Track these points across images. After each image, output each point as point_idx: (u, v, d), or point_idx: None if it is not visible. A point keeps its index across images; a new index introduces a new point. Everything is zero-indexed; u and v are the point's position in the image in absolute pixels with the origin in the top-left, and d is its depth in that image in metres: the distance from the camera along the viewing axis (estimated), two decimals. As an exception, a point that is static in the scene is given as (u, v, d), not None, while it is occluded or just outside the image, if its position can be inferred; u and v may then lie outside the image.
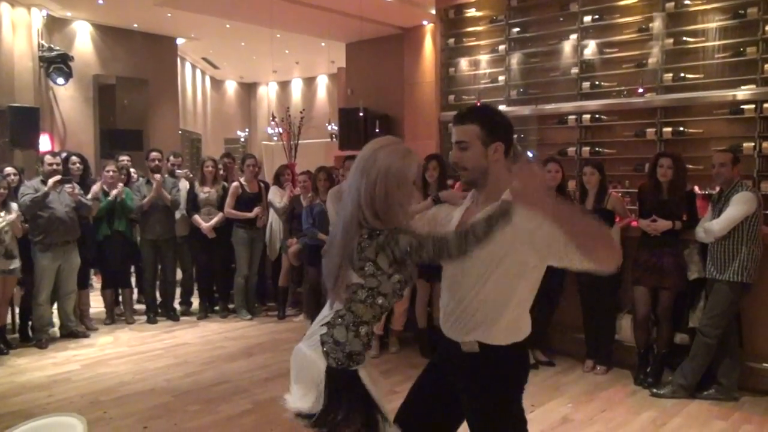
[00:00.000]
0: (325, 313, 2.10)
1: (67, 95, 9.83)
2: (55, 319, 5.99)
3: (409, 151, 2.06)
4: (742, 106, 6.39)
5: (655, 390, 4.45)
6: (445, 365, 2.22)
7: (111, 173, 6.23)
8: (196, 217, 6.49)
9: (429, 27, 8.78)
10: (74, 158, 6.24)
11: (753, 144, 6.28)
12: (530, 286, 2.09)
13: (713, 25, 6.58)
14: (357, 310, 2.02)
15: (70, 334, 5.92)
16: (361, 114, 9.14)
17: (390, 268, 1.98)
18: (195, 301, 6.98)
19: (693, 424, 3.95)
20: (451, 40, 8.74)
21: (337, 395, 2.01)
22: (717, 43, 6.57)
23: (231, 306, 6.95)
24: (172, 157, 6.97)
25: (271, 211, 6.79)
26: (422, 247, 1.92)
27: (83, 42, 10.18)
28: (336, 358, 2.02)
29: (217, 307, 6.92)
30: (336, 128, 11.44)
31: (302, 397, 2.09)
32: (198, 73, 16.25)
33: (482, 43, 8.48)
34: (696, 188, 5.51)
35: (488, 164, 2.06)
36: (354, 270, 2.00)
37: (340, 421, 1.99)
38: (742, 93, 6.35)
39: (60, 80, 9.35)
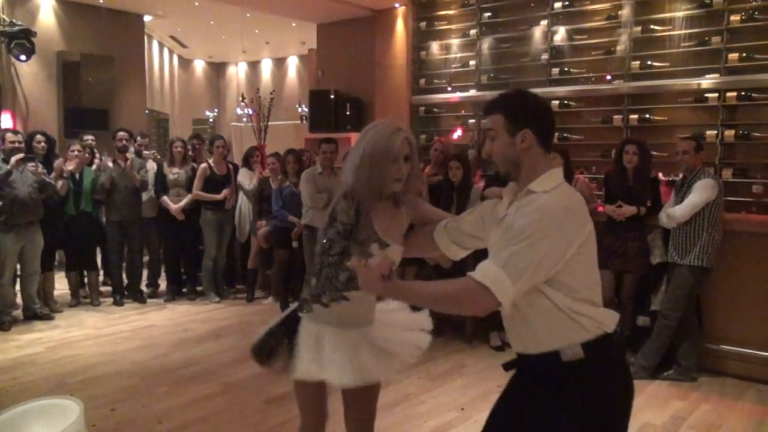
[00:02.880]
0: None
1: (29, 72, 9.56)
2: (19, 301, 5.89)
3: (398, 129, 2.15)
4: (706, 95, 6.51)
5: (617, 371, 4.56)
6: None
7: (76, 152, 6.11)
8: (165, 198, 6.42)
9: (401, 9, 8.74)
10: (39, 137, 6.10)
11: (716, 132, 6.41)
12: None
13: (680, 14, 6.67)
14: (322, 257, 2.22)
15: (33, 316, 5.83)
16: (331, 96, 9.09)
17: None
18: (162, 284, 6.92)
19: (653, 404, 4.08)
20: (423, 24, 8.72)
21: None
22: (683, 32, 6.67)
23: (199, 288, 6.91)
24: (139, 138, 6.87)
25: (241, 193, 6.74)
26: (335, 221, 2.13)
27: (46, 17, 9.89)
28: (301, 302, 2.29)
29: (184, 290, 6.88)
30: (306, 110, 11.35)
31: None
32: (165, 51, 15.94)
33: (454, 27, 8.47)
34: (660, 174, 5.62)
35: (518, 154, 1.91)
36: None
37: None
38: (706, 82, 6.47)
39: (22, 56, 9.08)
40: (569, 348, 1.82)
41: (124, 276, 6.67)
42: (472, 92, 8.24)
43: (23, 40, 9.01)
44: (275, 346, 2.23)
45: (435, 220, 2.28)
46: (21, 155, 5.48)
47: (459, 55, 8.43)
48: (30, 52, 9.10)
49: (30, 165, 5.56)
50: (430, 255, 2.43)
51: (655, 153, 5.80)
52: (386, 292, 1.89)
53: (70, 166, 5.99)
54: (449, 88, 8.47)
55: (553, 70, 7.53)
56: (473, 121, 8.29)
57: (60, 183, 5.86)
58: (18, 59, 9.16)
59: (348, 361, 2.14)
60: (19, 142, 5.68)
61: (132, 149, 6.67)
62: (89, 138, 6.92)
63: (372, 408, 2.43)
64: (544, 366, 1.88)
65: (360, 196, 2.11)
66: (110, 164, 6.28)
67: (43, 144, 6.05)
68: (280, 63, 17.84)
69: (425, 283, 1.94)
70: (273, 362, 2.23)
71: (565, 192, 1.88)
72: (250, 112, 9.81)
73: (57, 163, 6.00)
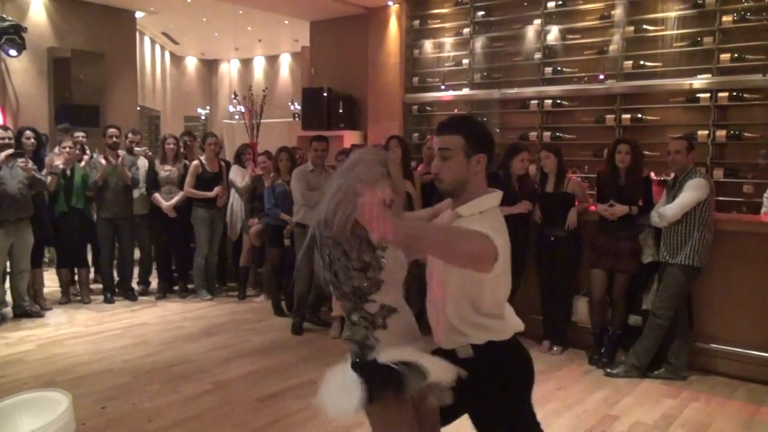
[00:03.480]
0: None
1: (19, 68, 9.49)
2: (8, 298, 5.84)
3: (382, 163, 2.04)
4: (697, 95, 6.55)
5: (608, 370, 4.58)
6: None
7: (68, 149, 6.07)
8: (157, 195, 6.39)
9: (394, 8, 8.74)
10: (28, 132, 6.05)
11: (707, 132, 6.45)
12: (490, 288, 2.04)
13: (672, 14, 6.71)
14: (345, 304, 2.15)
15: (23, 313, 5.79)
16: (324, 94, 9.08)
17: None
18: (153, 281, 6.89)
19: (644, 402, 4.09)
20: (416, 22, 8.72)
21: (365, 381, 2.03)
22: (675, 32, 6.71)
23: (190, 286, 6.88)
24: (130, 135, 6.83)
25: (233, 191, 6.72)
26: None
27: (37, 13, 9.82)
28: (354, 353, 2.13)
29: (176, 287, 6.85)
30: (299, 108, 11.33)
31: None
32: (157, 48, 15.86)
33: (447, 25, 8.48)
34: (652, 174, 5.64)
35: (468, 176, 2.03)
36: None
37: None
38: (698, 82, 6.51)
39: (12, 52, 9.01)
40: (463, 349, 2.08)
41: (115, 273, 6.63)
42: (465, 91, 8.25)
43: (14, 35, 8.93)
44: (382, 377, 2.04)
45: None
46: (10, 151, 5.43)
47: (452, 53, 8.45)
48: (20, 47, 9.03)
49: (19, 161, 5.52)
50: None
51: (647, 152, 5.83)
52: (395, 232, 1.71)
53: (59, 162, 5.95)
54: (442, 87, 8.48)
55: (546, 69, 7.56)
56: (466, 119, 8.28)
57: (49, 179, 5.82)
58: (8, 55, 9.09)
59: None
60: (9, 138, 5.63)
61: (123, 146, 6.63)
62: (80, 134, 6.87)
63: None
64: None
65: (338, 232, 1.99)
66: (103, 161, 6.24)
67: (32, 140, 6.00)
68: (272, 60, 17.78)
69: (429, 226, 2.02)
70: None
71: (490, 223, 1.95)
72: (243, 110, 9.78)
73: (48, 157, 5.96)
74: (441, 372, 2.00)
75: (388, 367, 1.99)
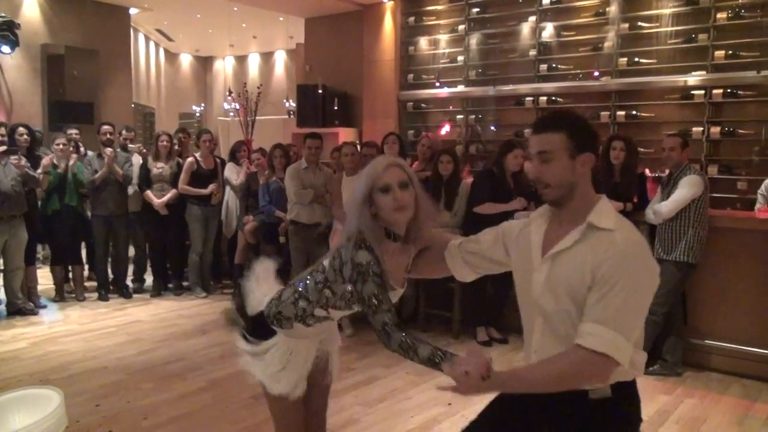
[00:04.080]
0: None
1: (13, 64, 9.44)
2: (2, 296, 5.82)
3: (386, 160, 2.02)
4: (692, 92, 6.56)
5: (603, 366, 4.58)
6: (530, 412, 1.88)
7: (61, 146, 6.05)
8: (148, 193, 6.37)
9: (389, 5, 8.72)
10: (21, 129, 6.03)
11: (702, 129, 6.46)
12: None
13: (667, 11, 6.71)
14: (308, 285, 2.09)
15: (17, 311, 5.76)
16: (319, 91, 9.06)
17: (340, 276, 2.01)
18: (148, 279, 6.87)
19: (638, 398, 4.10)
20: (411, 19, 8.71)
21: (250, 333, 2.22)
22: (670, 29, 6.71)
23: (185, 283, 6.87)
24: (124, 131, 6.81)
25: (227, 188, 6.70)
26: (377, 312, 1.88)
27: (31, 9, 9.77)
28: (270, 309, 2.15)
29: (170, 285, 6.84)
30: (294, 105, 11.31)
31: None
32: (152, 45, 15.81)
33: (442, 22, 8.47)
34: (646, 171, 5.65)
35: (575, 179, 1.76)
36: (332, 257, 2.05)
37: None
38: (693, 79, 6.52)
39: (6, 48, 8.96)
40: (600, 388, 1.75)
41: (109, 271, 6.61)
42: (460, 88, 8.25)
43: (7, 32, 8.88)
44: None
45: (442, 241, 2.16)
46: (4, 148, 5.41)
47: (447, 50, 8.44)
48: (14, 44, 8.99)
49: (13, 158, 5.50)
50: (436, 276, 2.26)
51: (641, 149, 5.83)
52: (491, 390, 1.72)
53: (70, 163, 5.94)
54: (437, 84, 8.47)
55: (541, 66, 7.56)
56: (461, 116, 8.30)
57: (41, 177, 5.79)
58: (1, 51, 9.04)
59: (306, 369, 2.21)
60: (2, 135, 5.60)
61: (117, 143, 6.60)
62: (73, 131, 6.85)
63: (326, 400, 2.46)
64: (569, 400, 1.76)
65: (365, 235, 1.95)
66: (103, 159, 6.19)
67: (25, 137, 5.97)
68: (267, 57, 17.75)
69: (530, 367, 1.77)
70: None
71: (633, 228, 1.77)
72: (237, 107, 9.77)
73: (44, 161, 5.92)
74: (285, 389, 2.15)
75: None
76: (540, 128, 1.81)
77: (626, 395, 1.80)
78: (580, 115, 1.92)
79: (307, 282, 2.09)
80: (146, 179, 6.39)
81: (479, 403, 2.21)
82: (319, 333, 2.18)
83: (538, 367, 1.73)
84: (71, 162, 6.07)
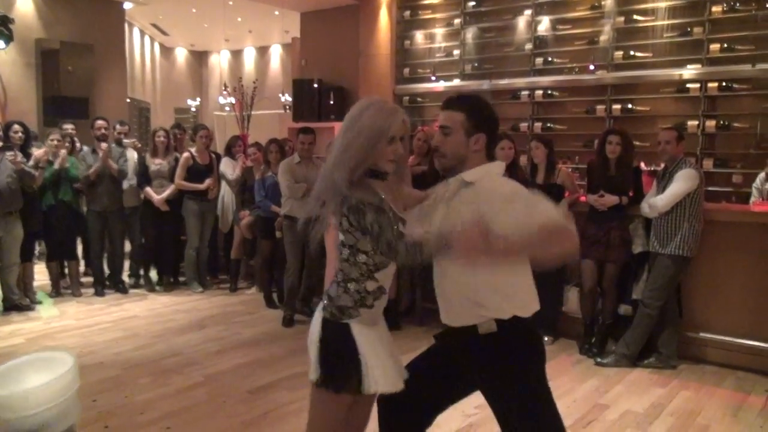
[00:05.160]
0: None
1: (7, 60, 9.40)
2: (-2, 292, 5.82)
3: (396, 109, 2.06)
4: (687, 85, 6.56)
5: (599, 359, 4.61)
6: (451, 355, 2.20)
7: (55, 142, 6.03)
8: (148, 189, 6.36)
9: (385, -2, 8.71)
10: (16, 126, 5.97)
11: (697, 122, 6.47)
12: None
13: (662, 4, 6.71)
14: (344, 268, 2.08)
15: (13, 307, 5.76)
16: (315, 85, 9.04)
17: (357, 231, 2.00)
18: (144, 274, 6.86)
19: (634, 391, 4.12)
20: (407, 13, 8.69)
21: (326, 345, 2.06)
22: (665, 22, 6.71)
23: (182, 279, 6.87)
24: (118, 126, 6.79)
25: (223, 183, 6.70)
26: (381, 235, 1.95)
27: (25, 4, 9.72)
28: (330, 311, 2.08)
29: (167, 280, 6.82)
30: (290, 99, 11.29)
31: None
32: (147, 39, 15.76)
33: (438, 16, 8.46)
34: (642, 164, 5.66)
35: (467, 154, 2.07)
36: (338, 227, 2.05)
37: (331, 374, 2.03)
38: (688, 72, 6.52)
39: (0, 43, 8.94)
40: (486, 322, 2.05)
41: (105, 266, 6.61)
42: (456, 82, 8.24)
43: (1, 26, 8.85)
44: (343, 365, 2.04)
45: (411, 198, 2.29)
46: (-1, 144, 5.40)
47: (443, 44, 8.43)
48: (8, 39, 8.95)
49: (8, 154, 5.48)
50: None
51: (637, 143, 5.84)
52: (493, 251, 1.86)
53: (57, 161, 5.91)
54: (433, 78, 8.46)
55: (537, 59, 7.55)
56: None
57: (37, 173, 5.77)
58: (-5, 46, 9.01)
59: (394, 362, 2.13)
60: (-2, 132, 5.59)
61: (111, 138, 6.58)
62: (69, 127, 6.82)
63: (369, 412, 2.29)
64: (463, 336, 2.09)
65: (353, 175, 1.98)
66: (97, 154, 6.17)
67: (20, 134, 5.93)
68: (263, 52, 17.71)
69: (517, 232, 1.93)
70: (348, 383, 2.02)
71: (495, 179, 2.08)
72: (233, 101, 9.74)
73: (36, 154, 5.90)
74: (394, 382, 2.04)
75: (356, 356, 2.01)
76: (446, 105, 2.11)
77: (511, 329, 2.06)
78: (483, 99, 2.18)
79: (341, 266, 2.09)
80: (145, 176, 6.38)
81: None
82: (377, 317, 2.14)
83: (527, 233, 1.92)
84: (60, 158, 6.03)
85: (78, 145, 6.71)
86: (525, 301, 2.12)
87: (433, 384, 2.20)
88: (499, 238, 1.85)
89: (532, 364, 2.09)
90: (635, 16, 6.89)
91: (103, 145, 6.19)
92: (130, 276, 6.83)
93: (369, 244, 2.00)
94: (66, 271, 6.57)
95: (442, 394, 2.23)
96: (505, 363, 2.06)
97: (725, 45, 6.33)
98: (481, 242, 1.83)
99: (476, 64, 8.13)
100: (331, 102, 9.06)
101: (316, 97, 9.04)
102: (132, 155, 6.58)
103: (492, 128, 2.12)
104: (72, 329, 5.33)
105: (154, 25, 15.28)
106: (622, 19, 6.93)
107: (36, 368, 2.25)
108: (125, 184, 6.43)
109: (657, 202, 4.39)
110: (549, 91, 7.47)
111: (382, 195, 2.02)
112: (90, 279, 6.64)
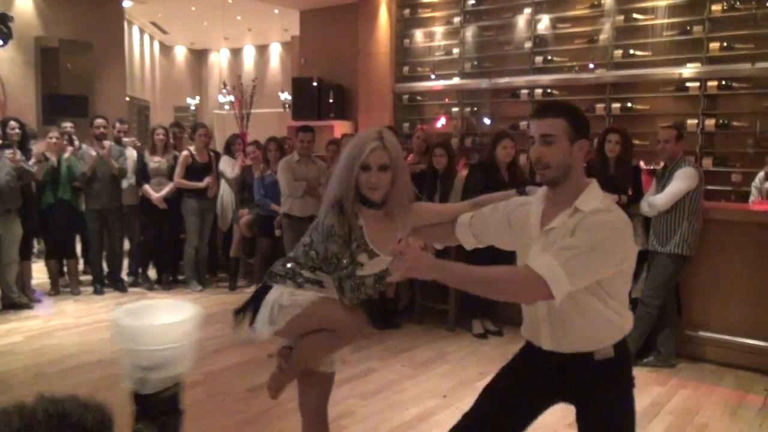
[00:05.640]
0: None
1: (6, 57, 9.39)
2: (-3, 290, 5.81)
3: (369, 137, 2.14)
4: (687, 84, 6.56)
5: (598, 358, 4.60)
6: (540, 378, 2.08)
7: (54, 139, 6.02)
8: (147, 187, 6.35)
9: (384, -3, 8.70)
10: (12, 123, 5.95)
11: (696, 121, 6.47)
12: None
13: (662, 3, 6.71)
14: (298, 250, 2.27)
15: (12, 305, 5.75)
16: (314, 84, 9.04)
17: (320, 243, 2.17)
18: (143, 272, 6.85)
19: (633, 390, 4.12)
20: (407, 11, 8.69)
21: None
22: (665, 21, 6.71)
23: (181, 277, 6.86)
24: (118, 124, 6.78)
25: (223, 182, 6.69)
26: (336, 268, 2.14)
27: (24, 1, 9.70)
28: (266, 278, 2.30)
29: (167, 278, 6.82)
30: (289, 98, 11.29)
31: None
32: (146, 38, 15.74)
33: (437, 14, 8.46)
34: (641, 163, 5.66)
35: (572, 162, 1.93)
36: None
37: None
38: (688, 71, 6.52)
39: (-2, 41, 8.93)
40: (603, 349, 1.96)
41: (104, 264, 6.60)
42: (456, 80, 8.24)
43: (0, 24, 8.84)
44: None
45: (447, 215, 2.33)
46: (-1, 142, 5.39)
47: (442, 43, 8.42)
48: (7, 37, 8.94)
49: (7, 152, 5.47)
50: (450, 243, 2.44)
51: (636, 142, 5.85)
52: (435, 271, 1.82)
53: (65, 155, 5.92)
54: (432, 76, 8.46)
55: (537, 58, 7.55)
56: (456, 109, 8.29)
57: (36, 168, 5.76)
58: (-6, 44, 9.00)
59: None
60: (-4, 130, 5.58)
61: (111, 136, 6.57)
62: (67, 125, 6.82)
63: (328, 393, 2.48)
64: (576, 363, 1.98)
65: (343, 200, 2.12)
66: (93, 153, 6.18)
67: (17, 130, 5.92)
68: (262, 50, 17.69)
69: (475, 267, 1.87)
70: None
71: (616, 210, 1.92)
72: (233, 100, 9.75)
73: (37, 147, 5.90)
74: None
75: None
76: (543, 113, 1.98)
77: (625, 353, 2.01)
78: (576, 107, 2.06)
79: (298, 248, 2.27)
80: (144, 174, 6.38)
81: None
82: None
83: (481, 269, 1.85)
84: (65, 155, 6.05)
85: (77, 143, 6.70)
86: (630, 320, 2.03)
87: (518, 404, 2.10)
88: (445, 263, 1.88)
89: (633, 386, 2.04)
90: (635, 15, 6.89)
91: (106, 143, 6.19)
92: (129, 274, 6.83)
93: (322, 248, 2.16)
94: (65, 269, 6.56)
95: (528, 414, 2.13)
96: (620, 386, 1.99)
97: (725, 44, 6.34)
98: (429, 263, 1.81)
99: (476, 63, 8.13)
100: (331, 100, 9.06)
101: (316, 96, 9.04)
102: (131, 154, 6.57)
103: (589, 134, 2.01)
104: (70, 327, 5.33)
105: (154, 24, 15.27)
106: (621, 17, 6.93)
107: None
108: (124, 183, 6.43)
109: (656, 200, 4.39)
110: (548, 90, 7.47)
111: (362, 224, 2.14)
112: (89, 277, 6.63)
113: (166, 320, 2.32)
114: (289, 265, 2.24)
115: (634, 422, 2.01)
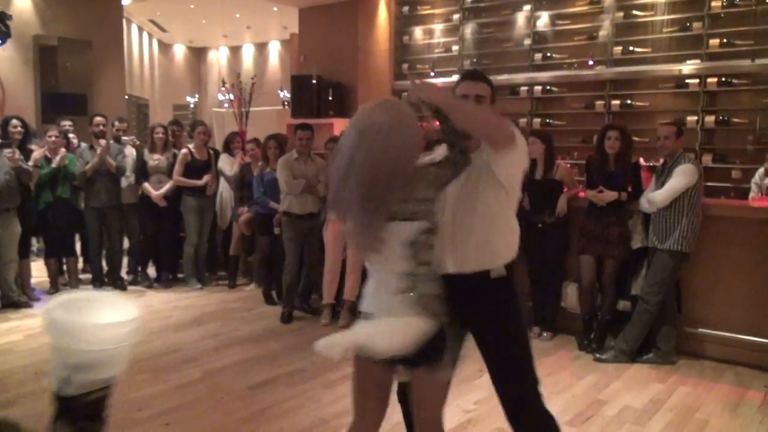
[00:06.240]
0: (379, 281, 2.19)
1: (5, 56, 9.39)
2: (-4, 289, 5.80)
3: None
4: (686, 81, 6.56)
5: (598, 355, 4.60)
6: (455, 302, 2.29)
7: (53, 138, 6.01)
8: (146, 185, 6.35)
9: (383, -6, 8.69)
10: (15, 121, 5.96)
11: (696, 117, 6.46)
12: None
13: (662, -1, 6.70)
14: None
15: (11, 304, 5.74)
16: (314, 81, 9.02)
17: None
18: (143, 271, 6.85)
19: (633, 386, 4.12)
20: (406, 8, 8.68)
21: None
22: (665, 17, 6.70)
23: (180, 275, 6.86)
24: (117, 123, 6.77)
25: (222, 180, 6.68)
26: None
27: (22, 0, 9.71)
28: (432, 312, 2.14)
29: (166, 276, 6.82)
30: (288, 95, 11.27)
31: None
32: (145, 36, 15.73)
33: (436, 11, 8.45)
34: (641, 160, 5.65)
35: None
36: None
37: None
38: (688, 67, 6.52)
39: (-3, 40, 8.92)
40: (498, 267, 2.32)
41: (103, 263, 6.60)
42: (455, 78, 8.21)
43: (-2, 23, 8.83)
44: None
45: None
46: (-2, 141, 5.38)
47: (442, 40, 8.42)
48: (5, 35, 8.93)
49: (6, 151, 5.46)
50: None
51: (636, 138, 5.83)
52: (441, 93, 2.19)
53: (56, 159, 5.88)
54: (432, 73, 8.45)
55: (536, 55, 7.54)
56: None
57: (34, 170, 5.75)
58: (-8, 43, 8.99)
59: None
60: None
61: (110, 134, 6.57)
62: (66, 123, 6.80)
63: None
64: (474, 283, 2.31)
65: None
66: (97, 149, 6.15)
67: (19, 129, 5.92)
68: (261, 48, 17.68)
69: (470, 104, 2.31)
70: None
71: None
72: (232, 98, 9.73)
73: (35, 154, 5.87)
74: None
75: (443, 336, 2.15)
76: (478, 77, 2.43)
77: (512, 274, 2.39)
78: None
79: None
80: (143, 172, 6.37)
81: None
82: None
83: (481, 108, 2.33)
84: (59, 156, 6.01)
85: (75, 141, 6.69)
86: (515, 247, 2.41)
87: None
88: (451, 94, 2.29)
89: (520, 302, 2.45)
90: (634, 11, 6.88)
91: (102, 141, 6.18)
92: (128, 273, 6.82)
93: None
94: (64, 267, 6.55)
95: None
96: (514, 303, 2.37)
97: (725, 40, 6.33)
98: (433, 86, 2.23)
99: (475, 60, 8.12)
100: (330, 98, 9.03)
101: (315, 93, 9.02)
102: (130, 152, 6.56)
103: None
104: (70, 326, 5.31)
105: (153, 22, 15.26)
106: (621, 14, 6.92)
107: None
108: (123, 181, 6.42)
109: (656, 197, 4.38)
110: (548, 87, 7.47)
111: None
112: (88, 276, 6.63)
113: (103, 319, 2.15)
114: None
115: (527, 330, 2.46)
